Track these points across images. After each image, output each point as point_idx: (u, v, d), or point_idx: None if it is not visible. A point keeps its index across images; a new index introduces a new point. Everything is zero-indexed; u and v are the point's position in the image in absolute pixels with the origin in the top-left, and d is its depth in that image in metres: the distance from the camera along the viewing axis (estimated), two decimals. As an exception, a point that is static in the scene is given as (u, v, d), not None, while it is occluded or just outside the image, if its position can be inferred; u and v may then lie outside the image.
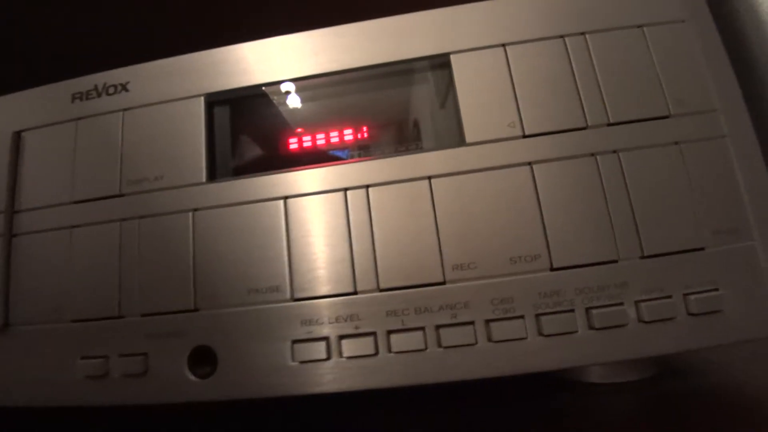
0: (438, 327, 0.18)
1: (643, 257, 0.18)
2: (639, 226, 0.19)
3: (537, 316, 0.18)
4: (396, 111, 0.21)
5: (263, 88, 0.22)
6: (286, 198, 0.20)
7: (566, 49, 0.20)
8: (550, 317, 0.18)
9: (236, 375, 0.19)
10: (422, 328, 0.18)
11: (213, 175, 0.21)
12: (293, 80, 0.22)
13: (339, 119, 0.21)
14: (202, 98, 0.22)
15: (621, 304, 0.18)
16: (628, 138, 0.19)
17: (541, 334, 0.18)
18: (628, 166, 0.19)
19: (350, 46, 0.22)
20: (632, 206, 0.19)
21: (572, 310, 0.18)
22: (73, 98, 0.24)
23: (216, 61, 0.22)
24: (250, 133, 0.22)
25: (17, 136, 0.24)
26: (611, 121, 0.20)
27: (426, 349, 0.18)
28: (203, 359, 0.20)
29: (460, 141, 0.20)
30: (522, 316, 0.18)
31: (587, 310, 0.18)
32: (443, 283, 0.19)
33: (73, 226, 0.22)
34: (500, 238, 0.19)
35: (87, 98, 0.23)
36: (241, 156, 0.22)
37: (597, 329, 0.18)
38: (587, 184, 0.19)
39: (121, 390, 0.20)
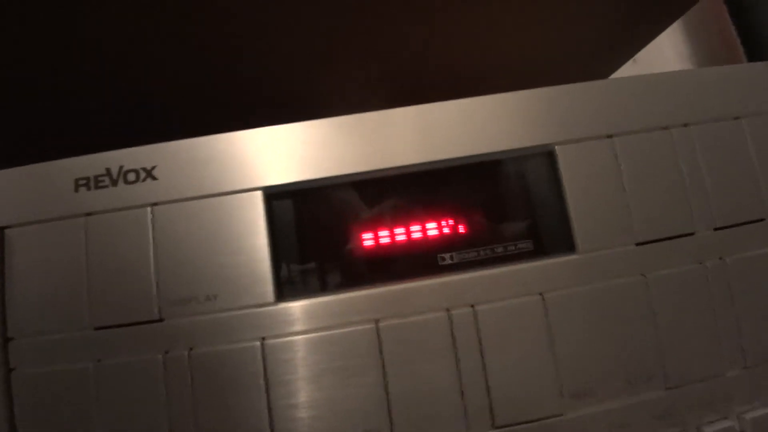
0: None
1: (746, 367, 0.18)
2: (743, 335, 0.18)
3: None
4: (491, 209, 0.18)
5: (337, 180, 0.18)
6: (377, 321, 0.17)
7: (671, 141, 0.19)
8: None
9: None
10: (541, 465, 0.17)
11: (282, 293, 0.17)
12: (372, 172, 0.18)
13: (426, 220, 0.18)
14: (261, 192, 0.17)
15: (726, 418, 0.18)
16: (733, 243, 0.18)
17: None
18: (733, 273, 0.18)
19: (433, 132, 0.18)
20: (737, 315, 0.18)
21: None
22: (77, 185, 0.17)
23: (275, 142, 0.17)
24: (322, 237, 0.18)
25: (0, 234, 0.18)
26: (717, 225, 0.18)
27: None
28: None
29: (569, 247, 0.18)
30: (640, 442, 0.17)
31: (698, 428, 0.17)
32: (560, 415, 0.17)
33: (98, 361, 0.17)
34: (616, 359, 0.17)
35: (97, 186, 0.17)
36: (313, 267, 0.17)
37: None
38: (696, 294, 0.18)
39: None
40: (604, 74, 0.40)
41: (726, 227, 0.18)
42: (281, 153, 0.17)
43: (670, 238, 0.17)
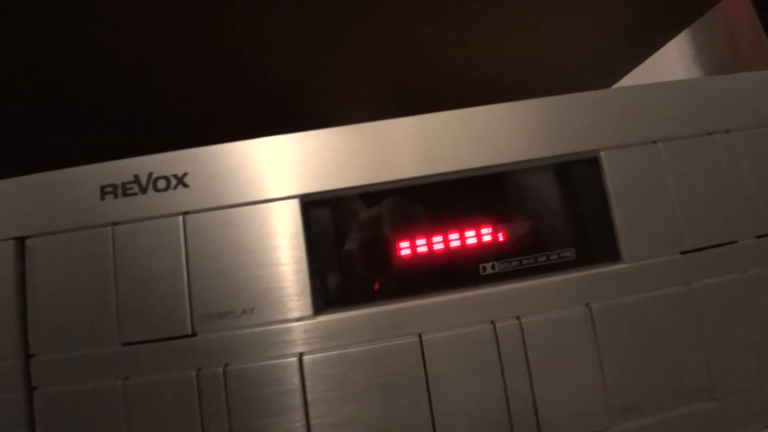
0: None
1: (789, 377, 0.18)
2: (786, 343, 0.18)
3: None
4: (533, 217, 0.17)
5: (374, 188, 0.17)
6: (421, 335, 0.16)
7: (715, 147, 0.18)
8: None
9: None
10: (590, 481, 0.16)
11: (321, 306, 0.16)
12: (407, 180, 0.17)
13: (466, 229, 0.17)
14: (297, 200, 0.17)
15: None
16: (776, 250, 0.18)
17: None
18: (777, 281, 0.18)
19: (475, 137, 0.17)
20: (780, 323, 0.18)
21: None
22: (104, 193, 0.16)
23: (312, 149, 0.17)
24: (361, 247, 0.17)
25: (20, 245, 0.17)
26: (760, 233, 0.18)
27: None
28: None
29: (614, 256, 0.17)
30: (688, 456, 0.16)
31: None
32: (606, 430, 0.16)
33: (126, 378, 0.16)
34: (663, 371, 0.17)
35: (125, 194, 0.16)
36: (353, 278, 0.17)
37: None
38: (741, 303, 0.18)
39: None
40: (612, 79, 0.40)
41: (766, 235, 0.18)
42: (319, 159, 0.16)
43: (713, 246, 0.17)
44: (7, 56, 0.20)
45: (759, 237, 0.17)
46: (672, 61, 0.50)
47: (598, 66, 0.36)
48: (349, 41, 0.24)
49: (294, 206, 0.16)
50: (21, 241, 0.16)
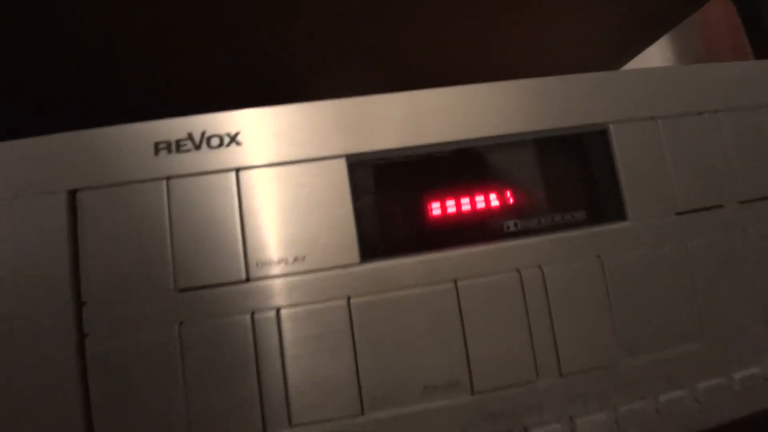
0: (616, 406, 0.17)
1: None
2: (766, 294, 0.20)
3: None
4: (550, 182, 0.19)
5: (413, 150, 0.18)
6: (456, 281, 0.18)
7: (705, 124, 0.21)
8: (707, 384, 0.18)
9: (417, 481, 0.17)
10: (601, 410, 0.18)
11: (366, 254, 0.18)
12: (442, 144, 0.19)
13: (493, 191, 0.19)
14: (344, 160, 0.18)
15: (756, 365, 0.20)
16: (755, 215, 0.21)
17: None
18: (753, 241, 0.21)
19: (502, 108, 0.19)
20: (761, 277, 0.20)
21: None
22: (157, 149, 0.17)
23: (357, 113, 0.18)
24: (401, 203, 0.18)
25: (71, 198, 0.17)
26: (742, 199, 0.21)
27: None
28: (374, 467, 0.17)
29: (621, 216, 0.19)
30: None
31: (729, 377, 0.20)
32: (616, 364, 0.18)
33: (181, 323, 0.17)
34: (661, 316, 0.19)
35: (179, 150, 0.17)
36: (394, 230, 0.18)
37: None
38: (726, 260, 0.20)
39: None
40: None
41: (749, 201, 0.20)
42: (364, 123, 0.18)
43: (704, 209, 0.20)
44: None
45: (741, 202, 0.20)
46: (653, 65, 0.54)
47: (580, 69, 0.39)
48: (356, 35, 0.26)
49: (341, 165, 0.17)
50: (72, 193, 0.17)
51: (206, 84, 0.30)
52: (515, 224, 0.18)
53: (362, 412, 0.16)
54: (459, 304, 0.17)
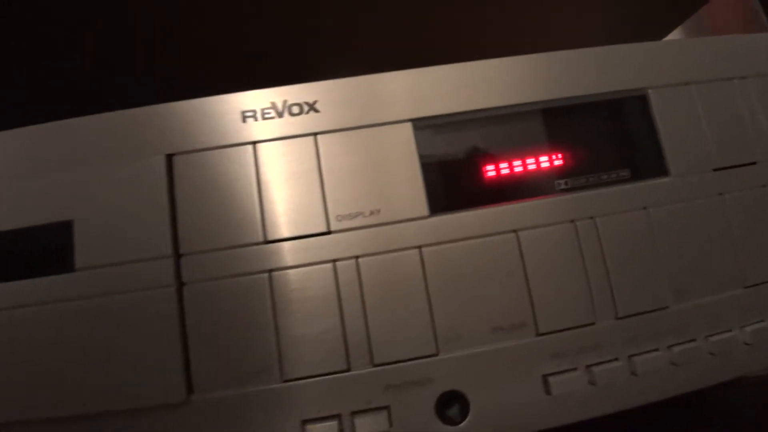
0: (670, 346, 0.19)
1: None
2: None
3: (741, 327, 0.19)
4: (597, 143, 0.21)
5: (471, 114, 0.20)
6: (517, 231, 0.19)
7: (734, 89, 0.22)
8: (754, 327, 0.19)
9: (490, 417, 0.18)
10: (656, 350, 0.19)
11: (434, 207, 0.19)
12: (497, 108, 0.20)
13: (542, 149, 0.21)
14: (410, 124, 0.20)
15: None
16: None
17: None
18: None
19: (550, 77, 0.21)
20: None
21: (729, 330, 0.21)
22: (244, 117, 0.19)
23: (418, 82, 0.20)
24: (465, 161, 0.20)
25: (169, 160, 0.19)
26: (772, 156, 0.22)
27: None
28: (449, 405, 0.18)
29: (663, 172, 0.21)
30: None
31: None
32: (666, 307, 0.20)
33: (270, 270, 0.18)
34: (705, 263, 0.20)
35: (264, 117, 0.19)
36: (460, 185, 0.20)
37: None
38: (760, 210, 0.21)
39: (360, 449, 0.17)
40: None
41: (777, 159, 0.22)
42: (427, 90, 0.19)
43: (738, 166, 0.21)
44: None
45: (773, 161, 0.22)
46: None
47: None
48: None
49: (408, 128, 0.19)
50: (170, 157, 0.19)
51: (227, 66, 0.32)
52: (566, 183, 0.20)
53: (437, 352, 0.18)
54: (521, 253, 0.18)
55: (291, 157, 0.18)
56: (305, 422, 0.17)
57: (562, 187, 0.20)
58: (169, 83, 0.32)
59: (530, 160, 0.20)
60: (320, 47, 0.32)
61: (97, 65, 0.29)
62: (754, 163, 0.21)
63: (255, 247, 0.18)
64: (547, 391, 0.18)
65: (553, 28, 0.37)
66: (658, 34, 0.42)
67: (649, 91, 0.21)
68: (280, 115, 0.19)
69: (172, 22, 0.27)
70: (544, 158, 0.20)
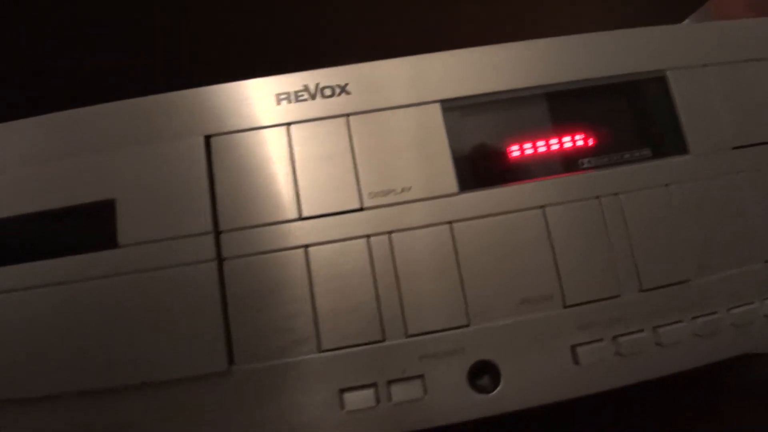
0: (693, 318, 0.19)
1: None
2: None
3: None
4: (618, 123, 0.21)
5: (498, 95, 0.21)
6: (543, 207, 0.20)
7: (748, 71, 0.23)
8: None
9: (520, 385, 0.18)
10: (680, 321, 0.20)
11: (464, 184, 0.20)
12: (522, 89, 0.21)
13: (564, 129, 0.21)
14: (438, 105, 0.20)
15: None
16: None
17: None
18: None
19: (574, 59, 0.21)
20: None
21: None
22: (278, 99, 0.20)
23: (448, 65, 0.21)
24: (491, 140, 0.21)
25: (207, 142, 0.19)
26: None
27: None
28: (480, 374, 0.19)
29: (683, 150, 0.21)
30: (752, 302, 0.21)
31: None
32: (689, 280, 0.20)
33: (306, 246, 0.19)
34: (725, 237, 0.21)
35: (297, 99, 0.20)
36: (488, 164, 0.20)
37: None
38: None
39: (396, 418, 0.18)
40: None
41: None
42: (456, 71, 0.20)
43: (755, 144, 0.22)
44: None
45: (787, 140, 0.22)
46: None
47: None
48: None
49: (436, 109, 0.20)
50: (208, 138, 0.19)
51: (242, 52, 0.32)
52: (589, 161, 0.21)
53: (468, 323, 0.18)
54: (548, 228, 0.19)
55: (324, 138, 0.19)
56: (343, 391, 0.17)
57: (586, 165, 0.20)
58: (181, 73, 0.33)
59: (554, 140, 0.21)
60: (325, 38, 0.33)
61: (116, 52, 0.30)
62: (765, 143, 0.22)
63: (291, 224, 0.18)
64: (576, 361, 0.18)
65: (563, 23, 0.37)
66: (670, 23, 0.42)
67: (668, 72, 0.21)
68: (312, 97, 0.19)
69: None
70: (567, 137, 0.21)
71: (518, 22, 0.36)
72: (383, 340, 0.18)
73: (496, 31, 0.36)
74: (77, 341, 0.18)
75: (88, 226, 0.18)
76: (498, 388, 0.18)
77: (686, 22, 0.45)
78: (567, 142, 0.21)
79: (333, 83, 0.19)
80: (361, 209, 0.19)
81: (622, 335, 0.19)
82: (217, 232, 0.18)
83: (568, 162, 0.20)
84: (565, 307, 0.19)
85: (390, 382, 0.17)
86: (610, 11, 0.38)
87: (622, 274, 0.19)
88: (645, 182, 0.20)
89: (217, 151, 0.19)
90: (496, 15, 0.34)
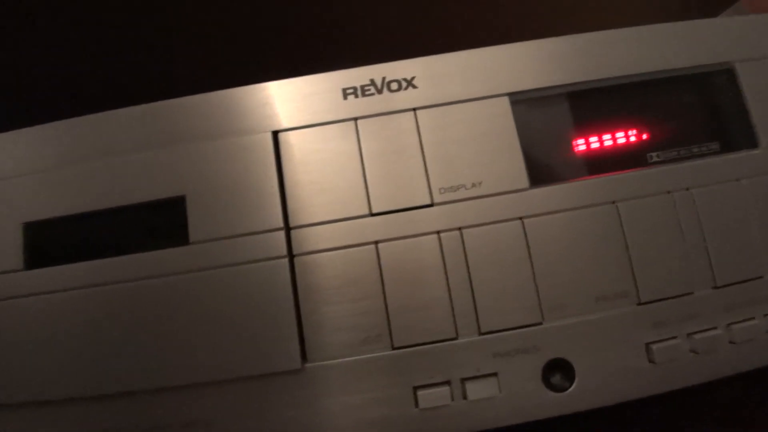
0: (766, 314, 0.18)
1: None
2: None
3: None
4: (687, 118, 0.21)
5: (566, 88, 0.20)
6: (615, 202, 0.19)
7: (817, 63, 0.22)
8: None
9: (594, 384, 0.18)
10: (752, 318, 0.19)
11: (534, 179, 0.19)
12: (591, 82, 0.20)
13: (632, 122, 0.21)
14: (507, 98, 0.20)
15: None
16: None
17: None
18: None
19: (640, 51, 0.21)
20: None
21: None
22: (345, 94, 0.19)
23: (516, 57, 0.20)
24: (559, 134, 0.20)
25: (275, 138, 0.19)
26: None
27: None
28: (552, 373, 0.18)
29: (753, 144, 0.21)
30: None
31: None
32: (761, 277, 0.20)
33: (376, 242, 0.18)
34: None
35: (364, 94, 0.19)
36: (558, 158, 0.20)
37: None
38: None
39: (472, 416, 0.18)
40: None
41: None
42: (524, 63, 0.19)
43: (827, 138, 0.21)
44: None
45: None
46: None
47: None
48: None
49: (505, 102, 0.19)
50: (275, 134, 0.19)
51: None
52: (657, 155, 0.20)
53: (542, 321, 0.18)
54: (621, 223, 0.19)
55: (392, 132, 0.19)
56: (416, 388, 0.17)
57: (655, 159, 0.20)
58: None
59: (621, 134, 0.20)
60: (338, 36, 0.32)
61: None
62: (841, 135, 0.21)
63: (361, 220, 0.18)
64: (650, 359, 0.18)
65: (600, 16, 0.37)
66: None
67: (737, 64, 0.21)
68: (379, 91, 0.19)
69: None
70: (634, 131, 0.20)
71: (553, 16, 0.35)
72: (456, 338, 0.18)
73: (530, 28, 0.36)
74: (147, 339, 0.17)
75: (159, 223, 0.18)
76: (572, 387, 0.18)
77: (720, 16, 0.44)
78: (634, 135, 0.20)
79: (399, 77, 0.19)
80: (431, 205, 0.18)
81: (696, 332, 0.18)
82: (288, 229, 0.18)
83: (637, 156, 0.20)
84: (639, 304, 0.18)
85: (464, 380, 0.17)
86: (648, 6, 0.37)
87: (695, 270, 0.19)
88: (716, 177, 0.20)
89: (285, 146, 0.19)
90: (522, 11, 0.33)
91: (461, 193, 0.18)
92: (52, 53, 0.28)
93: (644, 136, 0.20)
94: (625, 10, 0.37)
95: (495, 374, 0.17)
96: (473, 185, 0.18)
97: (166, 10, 0.26)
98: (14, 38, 0.26)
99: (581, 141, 0.20)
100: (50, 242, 0.18)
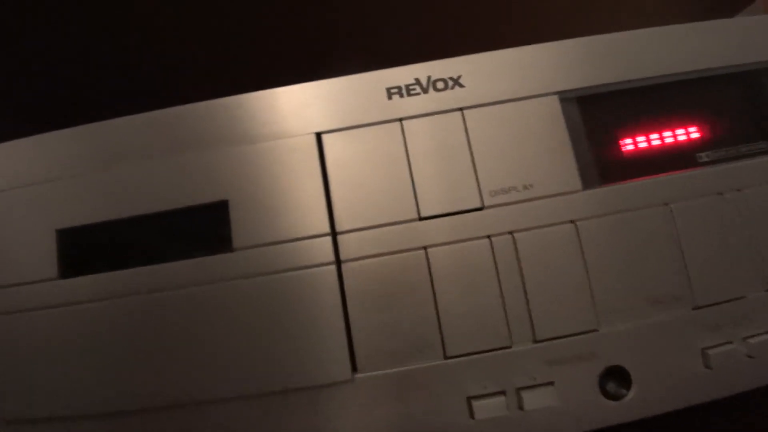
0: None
1: None
2: None
3: None
4: (736, 117, 0.21)
5: (616, 86, 0.20)
6: (669, 204, 0.19)
7: None
8: None
9: (652, 391, 0.18)
10: (808, 323, 0.19)
11: (587, 181, 0.19)
12: (641, 80, 0.20)
13: (680, 122, 0.20)
14: (557, 97, 0.19)
15: None
16: None
17: None
18: None
19: (689, 48, 0.20)
20: None
21: None
22: (390, 93, 0.19)
23: (564, 55, 0.19)
24: (604, 134, 0.20)
25: (318, 139, 0.18)
26: None
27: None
28: (606, 380, 0.18)
29: (803, 144, 0.20)
30: None
31: None
32: None
33: (425, 247, 0.18)
34: None
35: (409, 93, 0.19)
36: (610, 158, 0.19)
37: None
38: None
39: (529, 426, 0.17)
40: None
41: None
42: (573, 61, 0.19)
43: None
44: None
45: None
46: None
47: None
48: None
49: (555, 101, 0.19)
50: (318, 136, 0.18)
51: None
52: (707, 155, 0.20)
53: (597, 327, 0.17)
54: (675, 225, 0.18)
55: (439, 133, 0.18)
56: (471, 399, 0.17)
57: (704, 159, 0.19)
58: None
59: (668, 133, 0.20)
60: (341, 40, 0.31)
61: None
62: None
63: (410, 224, 0.17)
64: (707, 365, 0.17)
65: (621, 17, 0.36)
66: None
67: (788, 61, 0.20)
68: (425, 90, 0.18)
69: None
70: (683, 130, 0.20)
71: (561, 16, 0.35)
72: (510, 346, 0.17)
73: (551, 28, 0.35)
74: (189, 351, 0.17)
75: (200, 229, 0.17)
76: (630, 395, 0.17)
77: (737, 17, 0.44)
78: (683, 135, 0.20)
79: (445, 76, 0.18)
80: (481, 208, 0.18)
81: (751, 336, 0.18)
82: (335, 234, 0.17)
83: (686, 156, 0.19)
84: (694, 308, 0.18)
85: (519, 390, 0.17)
86: (665, 6, 0.37)
87: (748, 273, 0.18)
88: (766, 177, 0.19)
89: (329, 148, 0.18)
90: (531, 12, 0.33)
91: (513, 196, 0.18)
92: (81, 54, 0.27)
93: (693, 135, 0.20)
94: (639, 9, 0.36)
95: (552, 383, 0.17)
96: (525, 187, 0.18)
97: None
98: (46, 40, 0.25)
99: (629, 141, 0.19)
100: (86, 250, 0.17)
